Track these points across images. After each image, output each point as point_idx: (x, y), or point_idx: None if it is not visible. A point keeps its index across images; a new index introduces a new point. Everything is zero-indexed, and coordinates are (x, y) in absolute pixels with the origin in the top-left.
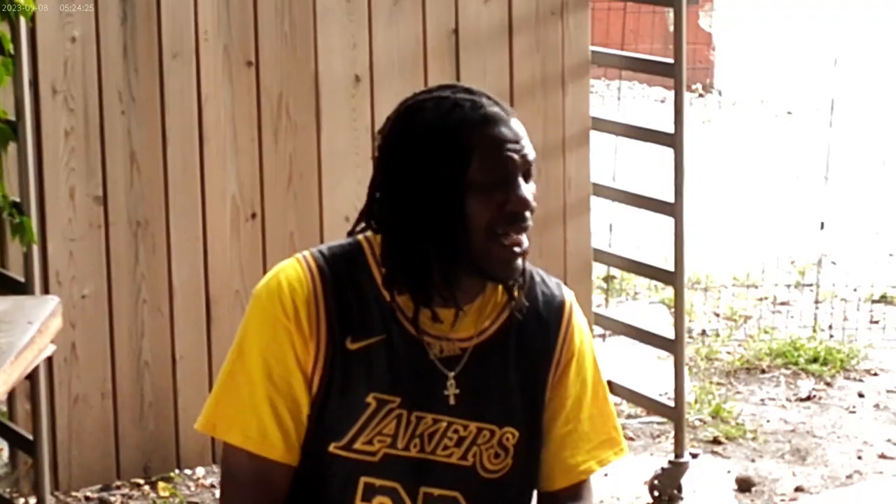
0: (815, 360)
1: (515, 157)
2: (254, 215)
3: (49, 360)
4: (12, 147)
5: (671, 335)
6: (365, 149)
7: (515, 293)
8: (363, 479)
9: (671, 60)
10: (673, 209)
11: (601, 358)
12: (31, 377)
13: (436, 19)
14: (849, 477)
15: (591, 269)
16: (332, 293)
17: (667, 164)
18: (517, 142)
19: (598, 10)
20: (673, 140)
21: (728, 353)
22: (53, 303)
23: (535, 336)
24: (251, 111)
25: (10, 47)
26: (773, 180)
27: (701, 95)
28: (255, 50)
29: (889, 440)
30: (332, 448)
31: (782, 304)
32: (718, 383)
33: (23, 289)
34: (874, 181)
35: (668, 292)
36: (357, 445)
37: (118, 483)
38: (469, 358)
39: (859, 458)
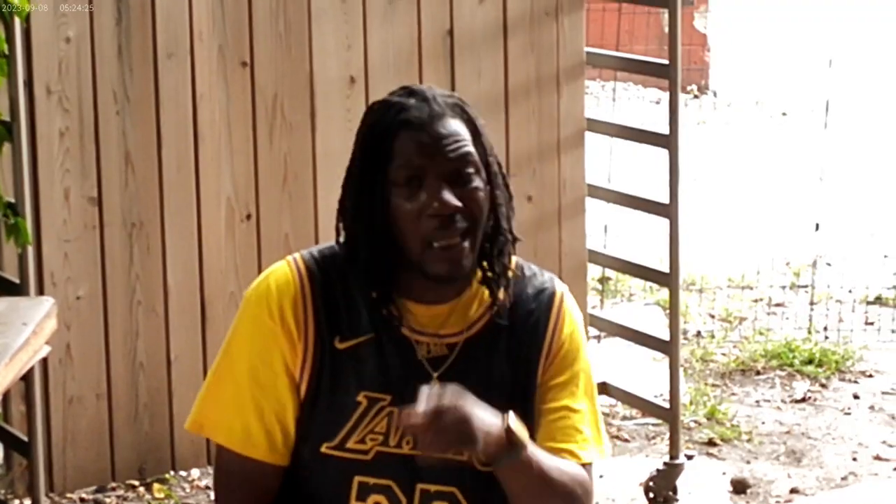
0: (810, 361)
1: (431, 160)
2: (248, 216)
3: (44, 361)
4: (7, 147)
5: (666, 336)
6: None
7: (500, 295)
8: (357, 479)
9: (666, 61)
10: (668, 210)
11: (594, 358)
12: (26, 378)
13: (430, 20)
14: (844, 478)
15: (586, 270)
16: (321, 294)
17: (662, 165)
18: (437, 145)
19: (592, 11)
20: (668, 141)
21: (723, 354)
22: (48, 304)
23: (526, 328)
24: (246, 111)
25: (5, 47)
26: (768, 181)
27: (696, 97)
28: (249, 50)
29: (884, 442)
30: (324, 448)
31: (777, 305)
32: (713, 385)
33: (17, 290)
34: (869, 182)
35: (664, 294)
36: (349, 445)
37: (113, 484)
38: (456, 357)
39: (854, 459)
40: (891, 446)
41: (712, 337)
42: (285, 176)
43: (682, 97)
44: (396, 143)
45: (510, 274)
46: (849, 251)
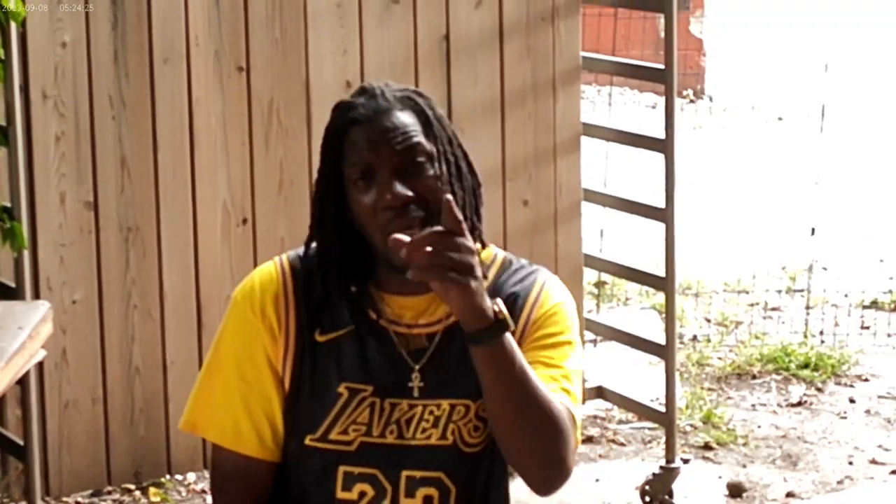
0: (806, 365)
1: (378, 154)
2: (245, 220)
3: (40, 365)
4: (3, 152)
5: (662, 341)
6: None
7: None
8: (342, 469)
9: (662, 66)
10: (664, 215)
11: (588, 359)
12: (22, 382)
13: (427, 25)
14: (840, 482)
15: (583, 274)
16: (303, 289)
17: (658, 169)
18: (383, 138)
19: (589, 16)
20: (664, 146)
21: (719, 358)
22: (44, 308)
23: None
24: (242, 116)
25: (1, 52)
26: (764, 186)
27: (692, 101)
28: (245, 55)
29: (880, 446)
30: (308, 441)
31: (773, 309)
32: (709, 389)
33: (13, 294)
34: (865, 187)
35: (660, 298)
36: (332, 436)
37: (109, 488)
38: (435, 347)
39: (850, 463)
40: (887, 450)
41: (708, 341)
42: (281, 181)
43: (677, 102)
44: (347, 141)
45: (485, 260)
46: (845, 255)
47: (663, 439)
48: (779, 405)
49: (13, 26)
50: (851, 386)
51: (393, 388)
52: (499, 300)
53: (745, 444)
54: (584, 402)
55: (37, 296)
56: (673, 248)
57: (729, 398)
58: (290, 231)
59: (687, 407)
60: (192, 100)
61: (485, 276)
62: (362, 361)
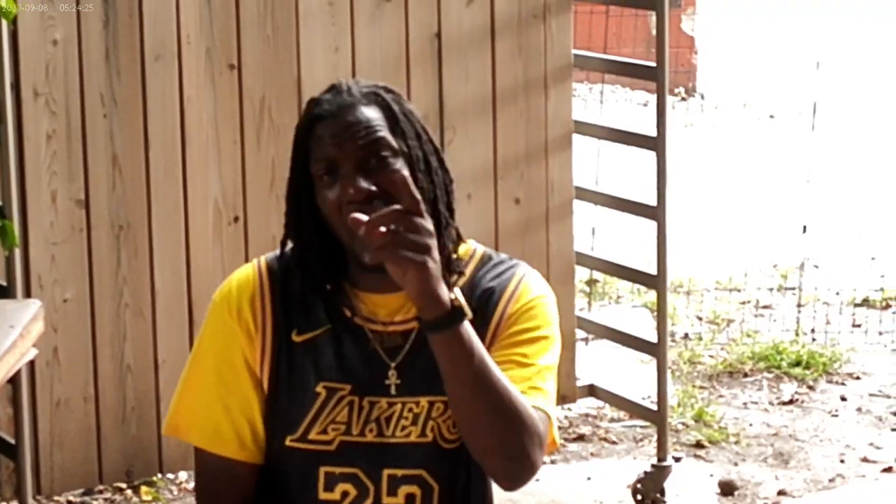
0: (797, 363)
1: (341, 149)
2: (236, 219)
3: (31, 363)
4: None
5: (654, 339)
6: None
7: (452, 282)
8: (322, 469)
9: (653, 64)
10: (655, 213)
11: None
12: (14, 381)
13: (418, 23)
14: (831, 480)
15: (574, 272)
16: (280, 290)
17: (649, 167)
18: (346, 133)
19: (580, 14)
20: (655, 143)
21: (711, 356)
22: (35, 306)
23: (480, 304)
24: (233, 114)
25: None
26: (756, 184)
27: (683, 99)
28: (237, 53)
29: (871, 443)
30: (288, 442)
31: (765, 307)
32: (701, 387)
33: (5, 292)
34: (856, 185)
35: (651, 296)
36: (311, 436)
37: (100, 487)
38: (411, 345)
39: (842, 461)
40: (878, 448)
41: (700, 339)
42: (273, 179)
43: (669, 99)
44: (312, 137)
45: (464, 256)
46: (836, 253)
47: (655, 437)
48: (770, 403)
49: (4, 24)
50: (843, 384)
51: (370, 387)
52: (456, 289)
53: (736, 443)
54: (575, 401)
55: (28, 294)
56: (665, 246)
57: (720, 396)
58: (281, 229)
59: (679, 405)
60: (184, 98)
61: (462, 272)
62: (339, 360)
